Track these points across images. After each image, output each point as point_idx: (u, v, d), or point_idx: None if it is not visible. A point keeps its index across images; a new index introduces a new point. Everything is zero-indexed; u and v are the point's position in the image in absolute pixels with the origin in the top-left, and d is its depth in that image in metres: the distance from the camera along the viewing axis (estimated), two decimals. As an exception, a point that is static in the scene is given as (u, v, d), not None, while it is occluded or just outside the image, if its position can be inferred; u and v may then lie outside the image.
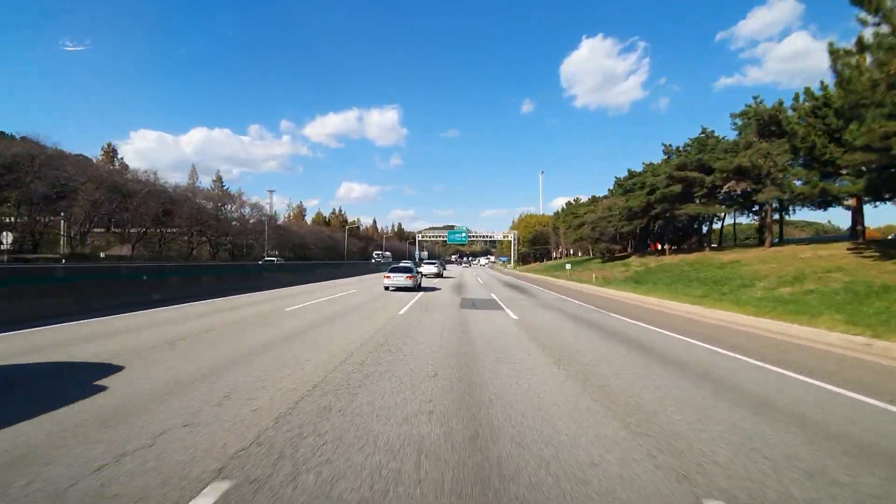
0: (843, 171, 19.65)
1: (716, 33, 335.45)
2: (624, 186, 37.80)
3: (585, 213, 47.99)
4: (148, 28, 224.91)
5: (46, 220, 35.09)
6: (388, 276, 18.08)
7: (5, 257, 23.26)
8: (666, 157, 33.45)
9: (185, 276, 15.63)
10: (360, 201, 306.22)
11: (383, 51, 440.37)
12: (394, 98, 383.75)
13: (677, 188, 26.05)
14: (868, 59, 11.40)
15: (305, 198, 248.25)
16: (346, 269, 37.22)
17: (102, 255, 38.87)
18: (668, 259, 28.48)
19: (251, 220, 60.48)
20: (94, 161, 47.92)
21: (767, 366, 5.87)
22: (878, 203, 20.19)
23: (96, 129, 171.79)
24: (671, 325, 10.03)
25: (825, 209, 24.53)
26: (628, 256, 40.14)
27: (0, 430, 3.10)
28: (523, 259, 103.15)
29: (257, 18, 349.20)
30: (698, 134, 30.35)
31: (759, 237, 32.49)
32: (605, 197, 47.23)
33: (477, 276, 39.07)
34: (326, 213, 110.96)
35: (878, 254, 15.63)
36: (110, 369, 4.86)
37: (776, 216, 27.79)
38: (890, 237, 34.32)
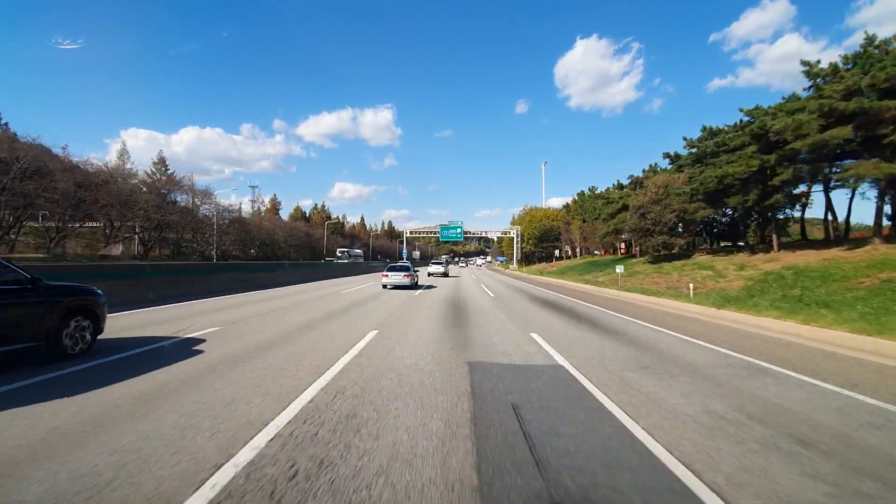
0: None
1: (709, 35, 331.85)
2: (700, 151, 26.54)
3: (621, 198, 37.02)
4: (140, 27, 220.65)
5: None
6: (386, 275, 18.81)
7: None
8: (743, 120, 22.51)
9: None
10: (354, 202, 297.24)
11: (377, 50, 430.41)
12: (388, 98, 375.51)
13: (843, 131, 14.97)
14: None
15: (298, 198, 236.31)
16: (289, 274, 26.09)
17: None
18: (806, 259, 17.56)
19: (200, 213, 48.82)
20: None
21: None
22: None
23: (86, 128, 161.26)
24: None
25: None
26: (688, 255, 29.23)
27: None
28: (527, 259, 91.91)
29: (250, 17, 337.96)
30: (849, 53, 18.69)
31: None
32: (648, 176, 36.25)
33: (479, 281, 27.97)
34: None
35: None
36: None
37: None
38: None
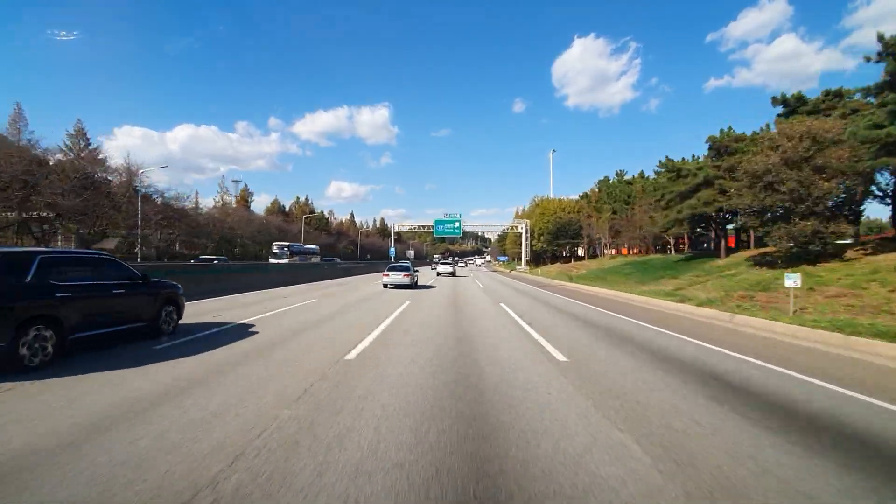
0: None
1: (707, 34, 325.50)
2: (892, 67, 15.43)
3: (700, 170, 25.72)
4: (134, 23, 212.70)
5: None
6: (387, 275, 19.17)
7: None
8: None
9: None
10: (351, 201, 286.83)
11: (374, 48, 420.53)
12: (385, 96, 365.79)
13: None
14: None
15: (294, 197, 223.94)
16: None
17: None
18: None
19: (124, 196, 37.12)
20: None
21: None
22: None
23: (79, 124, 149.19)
24: None
25: None
26: (839, 253, 18.24)
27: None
28: (536, 259, 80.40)
29: (245, 15, 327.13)
30: None
31: None
32: (757, 133, 24.98)
33: (495, 296, 17.15)
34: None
35: None
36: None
37: None
38: None
